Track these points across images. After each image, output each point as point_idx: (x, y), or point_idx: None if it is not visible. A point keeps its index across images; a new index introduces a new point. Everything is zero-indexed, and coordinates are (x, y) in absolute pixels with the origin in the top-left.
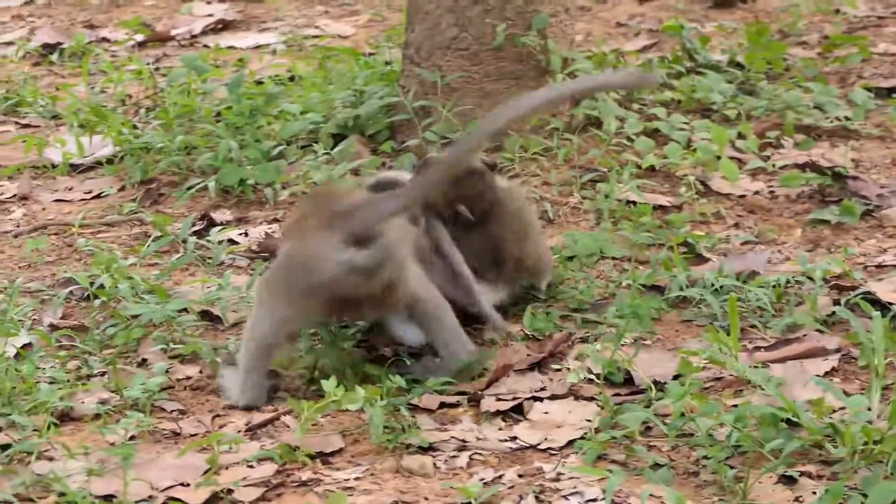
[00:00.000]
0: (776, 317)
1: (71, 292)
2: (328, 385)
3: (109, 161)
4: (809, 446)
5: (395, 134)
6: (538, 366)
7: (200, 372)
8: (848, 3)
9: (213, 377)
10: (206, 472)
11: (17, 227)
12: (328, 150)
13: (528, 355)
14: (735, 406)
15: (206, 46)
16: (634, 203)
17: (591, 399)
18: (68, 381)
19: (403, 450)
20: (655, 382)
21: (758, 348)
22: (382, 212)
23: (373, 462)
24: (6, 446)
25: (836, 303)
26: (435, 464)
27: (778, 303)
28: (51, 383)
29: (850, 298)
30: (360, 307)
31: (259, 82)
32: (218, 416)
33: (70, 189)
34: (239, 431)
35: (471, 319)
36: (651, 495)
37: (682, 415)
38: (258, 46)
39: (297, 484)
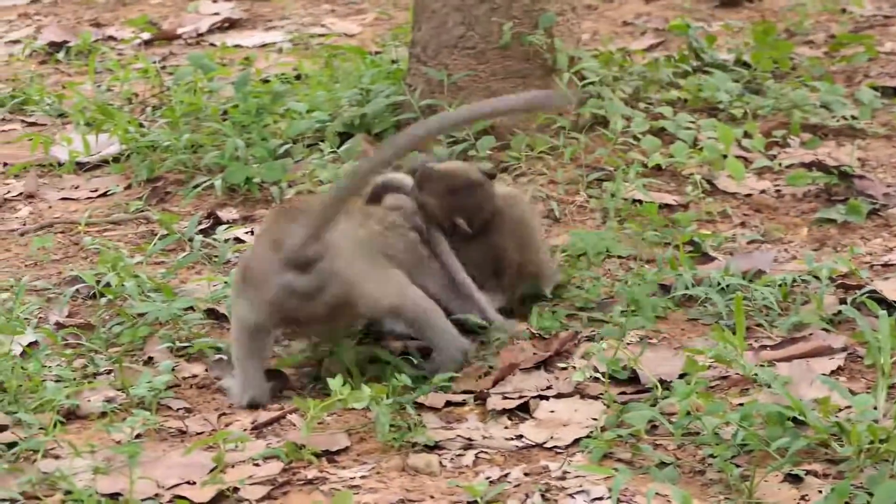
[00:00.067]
0: (782, 316)
1: (77, 290)
2: (334, 383)
3: (116, 159)
4: (815, 445)
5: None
6: (544, 364)
7: (206, 370)
8: (854, 3)
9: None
10: (212, 471)
11: (24, 225)
12: (334, 149)
13: (534, 354)
14: (741, 405)
15: (212, 45)
16: (641, 202)
17: (597, 398)
18: (74, 379)
19: (409, 448)
20: (661, 381)
21: (764, 347)
22: (310, 228)
23: (379, 460)
24: (12, 444)
25: (843, 302)
26: (441, 462)
27: (784, 302)
28: (57, 381)
29: (857, 297)
30: (315, 323)
31: (265, 81)
32: (224, 414)
33: (76, 187)
34: (245, 430)
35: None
36: (657, 494)
37: (688, 413)
38: (264, 45)
39: (302, 482)
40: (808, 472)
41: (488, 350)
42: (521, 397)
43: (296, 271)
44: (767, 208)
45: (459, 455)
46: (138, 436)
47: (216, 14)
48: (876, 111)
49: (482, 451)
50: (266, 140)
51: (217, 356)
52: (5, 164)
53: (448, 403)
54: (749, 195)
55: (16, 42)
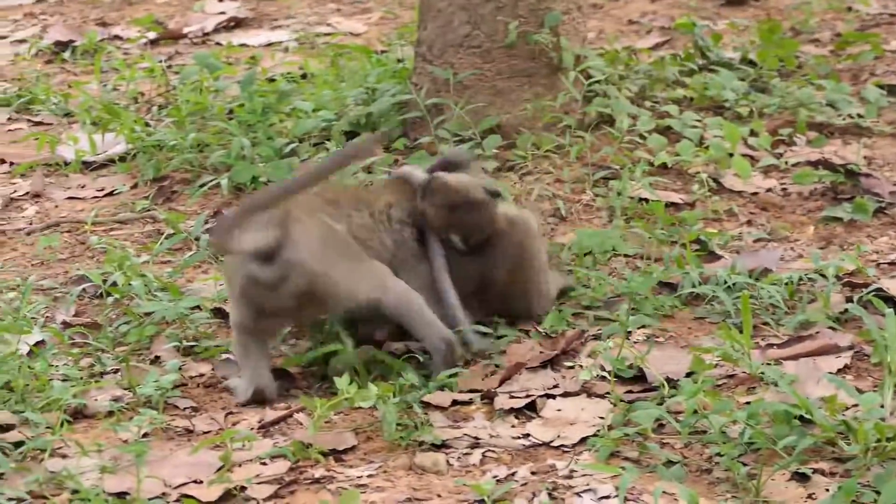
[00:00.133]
0: (789, 314)
1: (84, 290)
2: (341, 383)
3: (122, 159)
4: (822, 443)
5: (407, 131)
6: (551, 363)
7: (213, 369)
8: (860, 1)
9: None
10: (219, 470)
11: (30, 224)
12: (341, 148)
13: (540, 353)
14: (748, 403)
15: (218, 44)
16: (647, 200)
17: (604, 396)
18: (81, 378)
19: (416, 447)
20: (668, 380)
21: (770, 345)
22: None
23: (386, 459)
24: (20, 443)
25: (849, 300)
26: (448, 461)
27: (791, 300)
28: (64, 381)
29: (863, 296)
30: (287, 314)
31: (271, 80)
32: (231, 413)
33: (83, 187)
34: (252, 429)
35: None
36: (664, 492)
37: (695, 412)
38: (270, 44)
39: (310, 481)
40: (815, 471)
41: (494, 349)
42: (527, 396)
43: (258, 262)
44: (774, 207)
45: (466, 454)
46: (145, 435)
47: (222, 13)
48: (882, 109)
49: (489, 450)
50: (272, 139)
51: (224, 356)
52: (12, 164)
53: (455, 402)
54: (755, 193)
55: (22, 41)
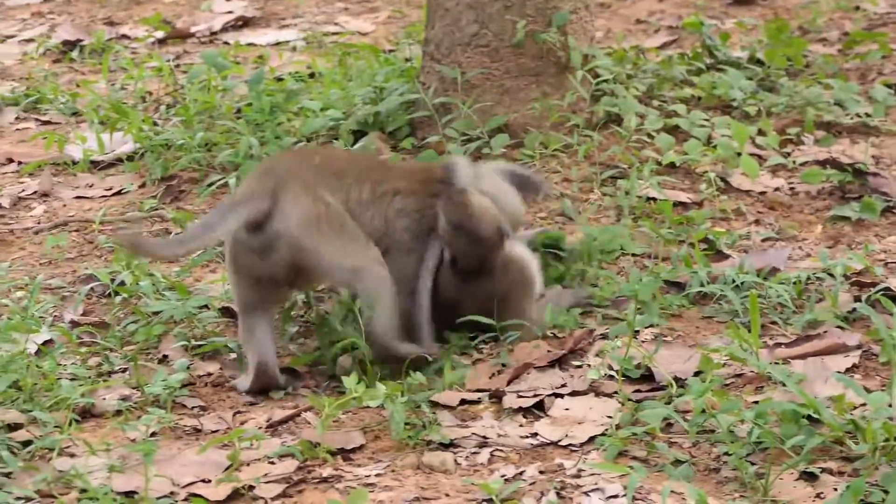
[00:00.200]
0: (797, 313)
1: (92, 289)
2: (349, 382)
3: (130, 158)
4: (830, 443)
5: (415, 130)
6: (559, 362)
7: (221, 368)
8: (868, 0)
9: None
10: (227, 469)
11: (39, 223)
12: (349, 147)
13: (548, 352)
14: (756, 403)
15: (226, 43)
16: (655, 200)
17: (612, 395)
18: (89, 377)
19: (424, 446)
20: (676, 379)
21: (778, 345)
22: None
23: (394, 458)
24: (28, 442)
25: (857, 299)
26: (456, 460)
27: (799, 299)
28: (72, 380)
29: (871, 295)
30: (277, 284)
31: (279, 79)
32: (239, 412)
33: (91, 186)
34: (260, 428)
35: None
36: (672, 492)
37: (703, 411)
38: (278, 43)
39: (318, 480)
40: (823, 470)
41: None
42: (535, 395)
43: (247, 231)
44: (782, 206)
45: (474, 453)
46: (153, 434)
47: (230, 12)
48: (890, 108)
49: (497, 449)
50: (280, 138)
51: (232, 355)
52: (20, 163)
53: (463, 401)
54: (763, 193)
55: (30, 41)
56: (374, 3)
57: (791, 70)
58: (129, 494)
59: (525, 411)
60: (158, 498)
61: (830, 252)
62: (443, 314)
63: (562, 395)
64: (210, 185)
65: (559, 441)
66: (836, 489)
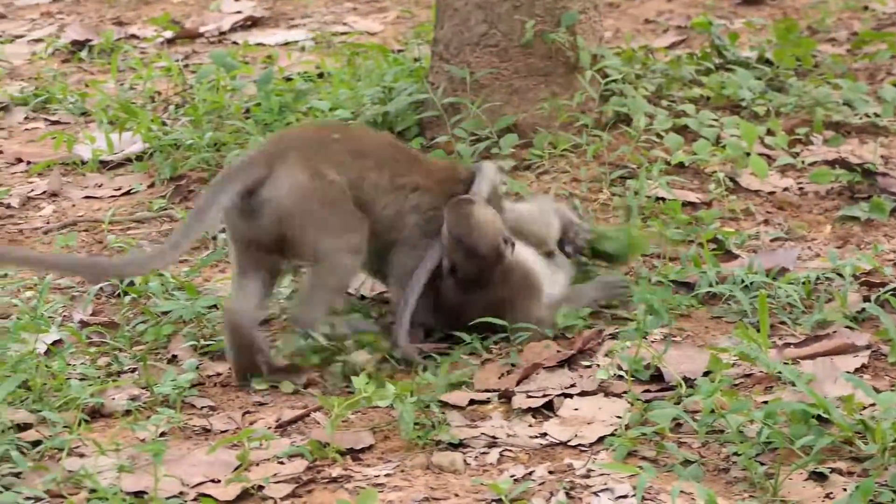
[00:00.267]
0: (806, 313)
1: (101, 289)
2: (358, 381)
3: (139, 158)
4: (840, 443)
5: (424, 130)
6: (568, 363)
7: (230, 369)
8: (877, 0)
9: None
10: (236, 469)
11: (48, 223)
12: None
13: (557, 352)
14: (765, 403)
15: (234, 43)
16: (664, 199)
17: (622, 395)
18: (99, 377)
19: (433, 446)
20: (685, 379)
21: (788, 345)
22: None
23: (403, 458)
24: (37, 442)
25: (866, 299)
26: (465, 460)
27: (808, 299)
28: (81, 380)
29: (880, 295)
30: (265, 250)
31: (288, 79)
32: (248, 412)
33: (100, 186)
34: (269, 428)
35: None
36: (681, 492)
37: (713, 411)
38: (287, 43)
39: (327, 480)
40: (832, 470)
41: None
42: (545, 395)
43: (240, 195)
44: (791, 206)
45: (484, 453)
46: (163, 434)
47: (238, 12)
48: None
49: (506, 450)
50: None
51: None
52: (29, 163)
53: (472, 402)
54: (772, 193)
55: (38, 41)
56: (382, 2)
57: (800, 70)
58: (139, 494)
59: (534, 411)
60: (168, 498)
61: (839, 252)
62: (448, 317)
63: (571, 396)
64: None
65: (568, 441)
66: (845, 489)
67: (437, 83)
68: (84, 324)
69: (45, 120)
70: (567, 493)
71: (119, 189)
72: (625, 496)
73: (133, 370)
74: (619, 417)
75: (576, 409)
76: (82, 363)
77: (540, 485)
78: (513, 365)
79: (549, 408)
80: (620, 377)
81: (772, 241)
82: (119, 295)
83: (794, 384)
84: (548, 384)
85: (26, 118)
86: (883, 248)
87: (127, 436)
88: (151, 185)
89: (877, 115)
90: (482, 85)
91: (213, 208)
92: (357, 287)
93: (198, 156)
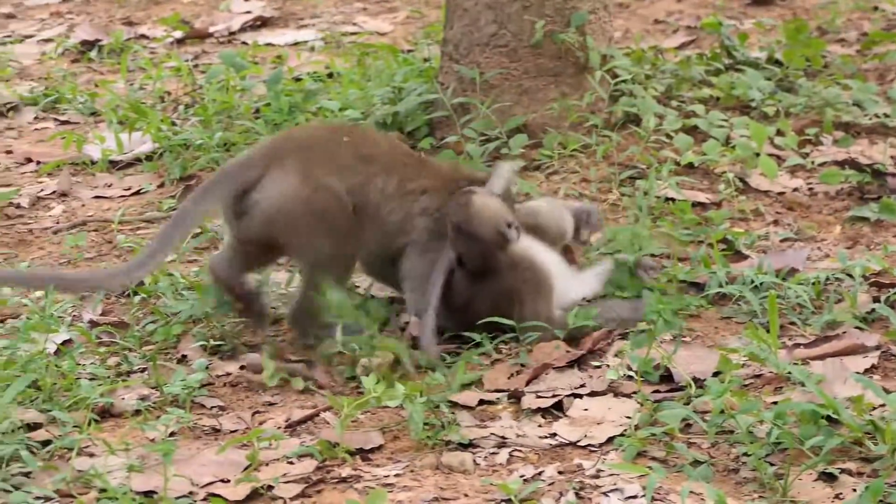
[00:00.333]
0: (816, 314)
1: None
2: (368, 382)
3: (148, 158)
4: (849, 443)
5: (433, 130)
6: (578, 363)
7: (240, 368)
8: (887, 1)
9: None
10: (246, 469)
11: (57, 223)
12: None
13: (567, 352)
14: (775, 403)
15: (244, 43)
16: (673, 200)
17: (631, 396)
18: (108, 377)
19: (443, 446)
20: (695, 379)
21: (797, 345)
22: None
23: (412, 459)
24: (47, 442)
25: (876, 300)
26: (475, 460)
27: (817, 300)
28: (91, 380)
29: (890, 295)
30: (258, 247)
31: (297, 79)
32: (258, 412)
33: (109, 186)
34: (279, 428)
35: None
36: (691, 492)
37: (722, 412)
38: (296, 43)
39: (336, 480)
40: (842, 471)
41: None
42: (554, 396)
43: (234, 194)
44: (800, 206)
45: (493, 453)
46: (172, 434)
47: (248, 12)
48: None
49: (516, 450)
50: None
51: (251, 354)
52: (39, 163)
53: (482, 402)
54: (782, 193)
55: (48, 41)
56: (392, 3)
57: (809, 70)
58: (148, 494)
59: (544, 411)
60: (177, 498)
61: (849, 252)
62: (458, 315)
63: (581, 396)
64: None
65: (578, 441)
66: (855, 490)
67: (446, 83)
68: (94, 324)
69: (55, 120)
70: (577, 494)
71: (129, 189)
72: (634, 496)
73: (143, 370)
74: (628, 418)
75: (585, 410)
76: (92, 363)
77: (549, 485)
78: (522, 365)
79: (558, 408)
80: (630, 377)
81: (781, 241)
82: (128, 295)
83: (803, 385)
84: (557, 384)
85: (36, 118)
86: (893, 248)
87: (137, 436)
88: (161, 185)
89: (886, 115)
90: (492, 85)
91: (193, 218)
92: (366, 288)
93: (207, 156)
